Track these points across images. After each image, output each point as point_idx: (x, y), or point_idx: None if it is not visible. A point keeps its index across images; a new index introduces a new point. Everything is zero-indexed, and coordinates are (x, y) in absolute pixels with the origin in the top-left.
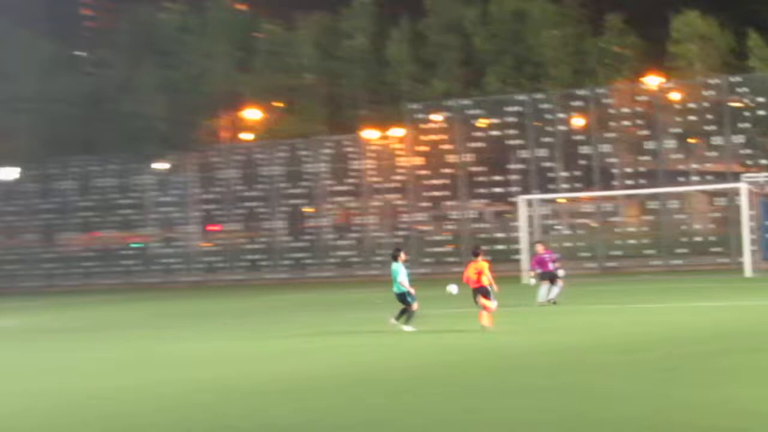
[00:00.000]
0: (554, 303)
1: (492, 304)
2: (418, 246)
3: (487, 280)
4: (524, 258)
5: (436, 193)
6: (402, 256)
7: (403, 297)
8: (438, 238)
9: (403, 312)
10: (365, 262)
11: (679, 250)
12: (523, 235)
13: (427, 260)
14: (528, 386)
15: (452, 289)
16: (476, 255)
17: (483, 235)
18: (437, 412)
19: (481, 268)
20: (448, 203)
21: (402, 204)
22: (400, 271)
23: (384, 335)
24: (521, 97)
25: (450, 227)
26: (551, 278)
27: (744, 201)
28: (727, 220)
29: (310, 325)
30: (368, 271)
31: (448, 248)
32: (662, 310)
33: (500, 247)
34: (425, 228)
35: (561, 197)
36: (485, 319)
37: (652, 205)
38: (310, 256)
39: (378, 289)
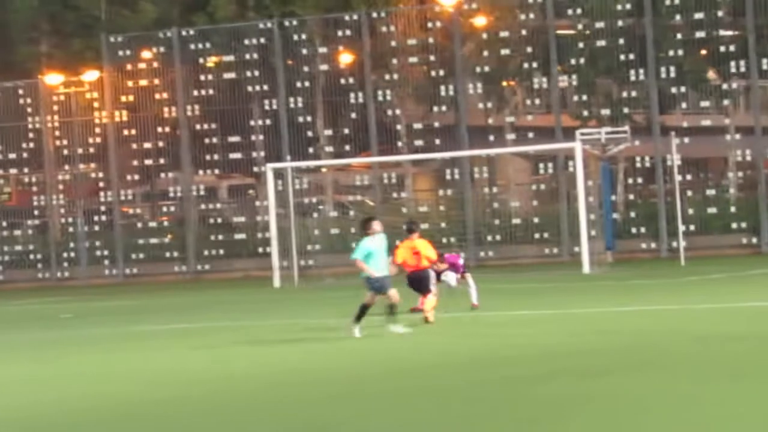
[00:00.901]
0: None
1: (431, 298)
2: (125, 235)
3: (427, 261)
4: (275, 251)
5: (148, 162)
6: (375, 226)
7: (371, 284)
8: (152, 224)
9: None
10: (48, 260)
11: (491, 237)
12: (272, 219)
13: (136, 256)
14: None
15: (450, 279)
16: (411, 231)
17: (216, 220)
18: None
19: (418, 248)
20: (166, 176)
21: (100, 177)
22: (358, 249)
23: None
24: (266, 25)
25: (169, 210)
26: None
27: (579, 167)
28: (555, 194)
29: None
30: (54, 272)
31: (167, 239)
32: (469, 321)
33: (240, 236)
34: (133, 210)
35: (324, 165)
36: (429, 307)
37: (452, 174)
38: None
39: (67, 297)
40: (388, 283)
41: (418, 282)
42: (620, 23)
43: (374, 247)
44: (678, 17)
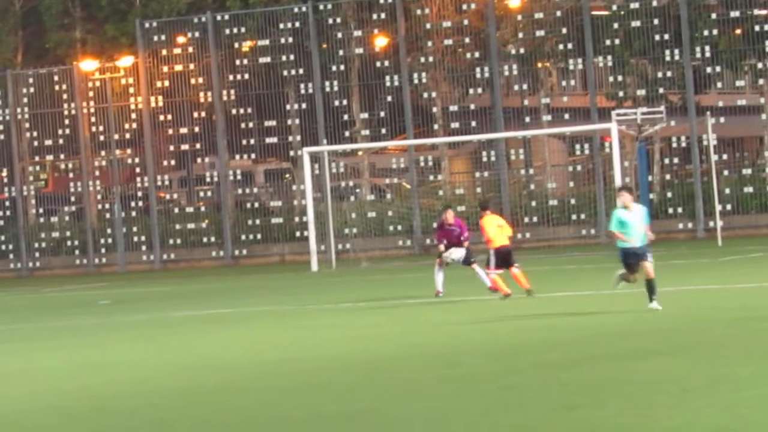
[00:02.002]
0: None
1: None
2: (162, 221)
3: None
4: (312, 235)
5: (184, 147)
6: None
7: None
8: (189, 209)
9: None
10: (85, 246)
11: (527, 219)
12: (309, 203)
13: (173, 241)
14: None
15: (456, 254)
16: (485, 208)
17: (252, 204)
18: None
19: (500, 222)
20: (202, 161)
21: (136, 163)
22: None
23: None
24: (301, 9)
25: (205, 195)
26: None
27: (615, 148)
28: (592, 175)
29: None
30: (91, 258)
31: (204, 224)
32: (505, 305)
33: (277, 220)
34: (169, 196)
35: (360, 148)
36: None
37: (488, 156)
38: (5, 241)
39: (105, 283)
40: (645, 252)
41: (507, 255)
42: (655, 3)
43: (629, 218)
44: None
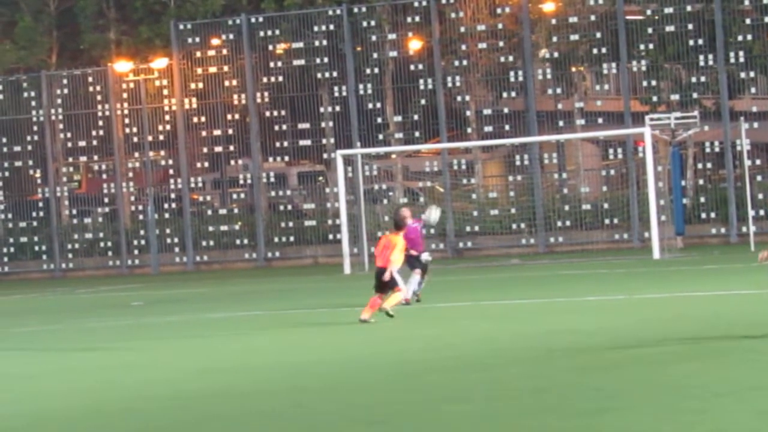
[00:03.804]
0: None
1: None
2: (195, 223)
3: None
4: (345, 238)
5: (217, 149)
6: None
7: None
8: (222, 211)
9: None
10: (118, 248)
11: (560, 223)
12: (342, 206)
13: (206, 243)
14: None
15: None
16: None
17: (285, 207)
18: None
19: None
20: (235, 163)
21: (170, 164)
22: None
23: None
24: (335, 12)
25: (238, 197)
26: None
27: (649, 152)
28: (625, 179)
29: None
30: (124, 259)
31: (237, 226)
32: (538, 308)
33: (310, 223)
34: (203, 198)
35: (394, 151)
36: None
37: (521, 160)
38: (39, 241)
39: (138, 285)
40: None
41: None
42: (689, 8)
43: None
44: (747, 2)
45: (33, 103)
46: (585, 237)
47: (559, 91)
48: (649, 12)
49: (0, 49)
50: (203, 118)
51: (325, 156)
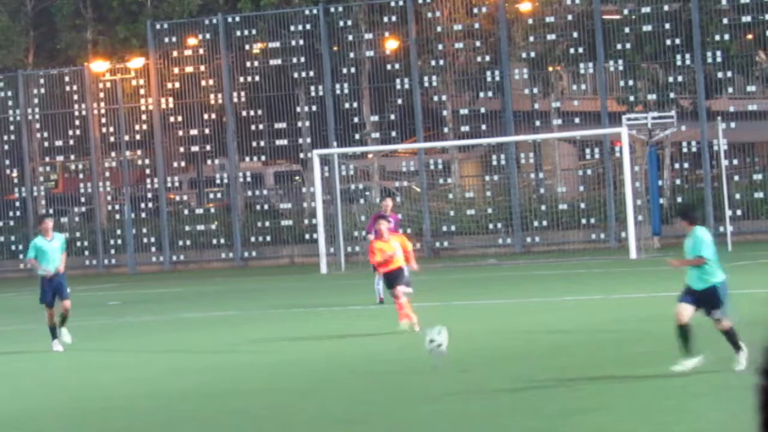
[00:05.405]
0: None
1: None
2: (171, 222)
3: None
4: (322, 237)
5: (194, 149)
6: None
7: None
8: (198, 211)
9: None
10: (94, 247)
11: (537, 223)
12: (319, 205)
13: (183, 243)
14: None
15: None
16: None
17: (262, 206)
18: None
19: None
20: (212, 162)
21: (146, 164)
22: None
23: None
24: (312, 11)
25: (215, 196)
26: None
27: (626, 152)
28: (602, 179)
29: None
30: (101, 259)
31: (214, 226)
32: (515, 308)
33: (286, 222)
34: (179, 197)
35: (370, 151)
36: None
37: (498, 159)
38: (15, 241)
39: (115, 284)
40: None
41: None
42: (666, 8)
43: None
44: (724, 1)
45: (10, 103)
46: (562, 237)
47: (536, 90)
48: (626, 12)
49: None
50: (180, 118)
51: (301, 156)
